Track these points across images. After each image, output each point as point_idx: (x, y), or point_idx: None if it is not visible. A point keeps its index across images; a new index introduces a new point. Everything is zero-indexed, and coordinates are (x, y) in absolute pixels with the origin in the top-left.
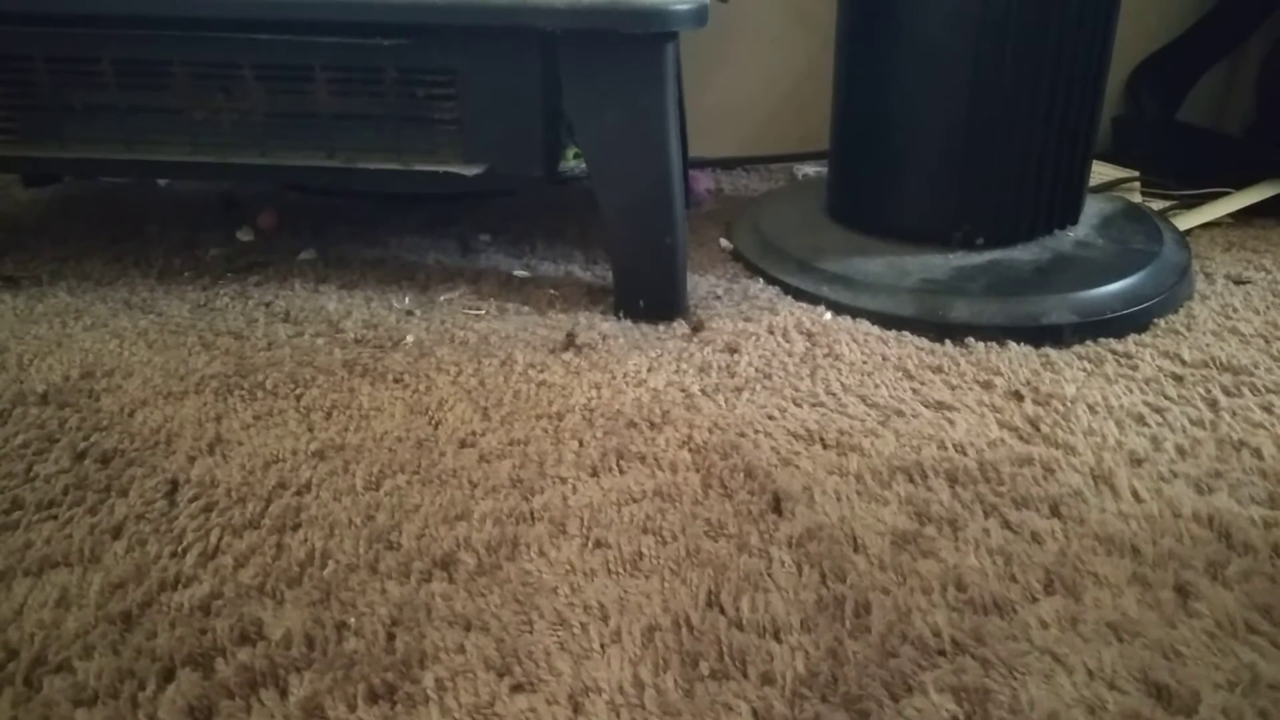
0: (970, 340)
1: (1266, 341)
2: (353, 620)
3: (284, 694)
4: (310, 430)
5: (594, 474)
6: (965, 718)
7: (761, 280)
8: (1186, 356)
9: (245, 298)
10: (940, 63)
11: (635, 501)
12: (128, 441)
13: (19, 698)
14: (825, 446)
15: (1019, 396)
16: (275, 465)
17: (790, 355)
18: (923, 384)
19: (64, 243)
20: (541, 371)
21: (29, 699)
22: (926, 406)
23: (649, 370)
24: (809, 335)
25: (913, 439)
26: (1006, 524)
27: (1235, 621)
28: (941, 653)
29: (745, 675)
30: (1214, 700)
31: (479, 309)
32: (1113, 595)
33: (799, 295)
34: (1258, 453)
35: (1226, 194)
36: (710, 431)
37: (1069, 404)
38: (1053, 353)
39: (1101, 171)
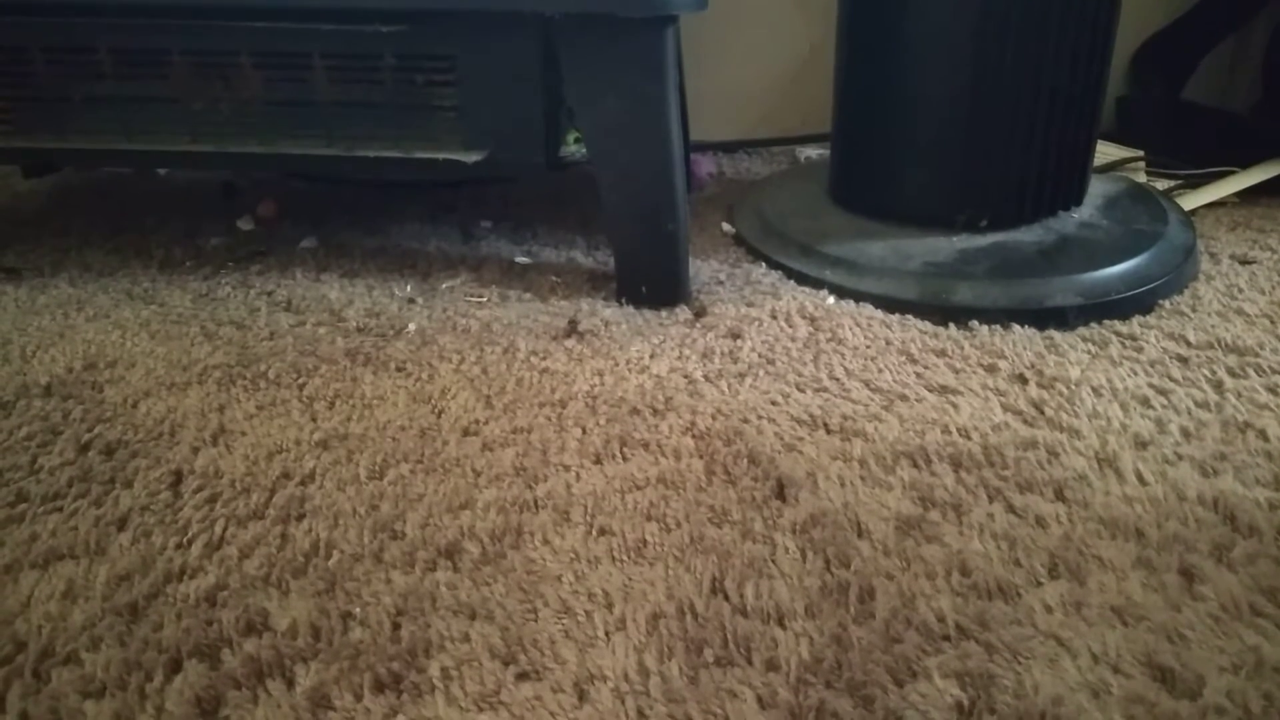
0: (974, 323)
1: (1272, 322)
2: (358, 610)
3: (290, 684)
4: (313, 420)
5: (597, 461)
6: (969, 703)
7: (764, 265)
8: (1191, 338)
9: (247, 287)
10: (943, 43)
11: (639, 489)
12: (131, 433)
13: (27, 690)
14: (829, 432)
15: (1023, 380)
16: (279, 455)
17: (793, 340)
18: (926, 368)
19: (65, 234)
20: (544, 359)
21: (37, 691)
22: (930, 390)
23: (652, 357)
24: (812, 320)
25: (916, 423)
26: (1011, 508)
27: (1240, 605)
28: (946, 638)
29: (750, 662)
30: (1218, 684)
31: (481, 296)
32: (1117, 579)
33: (802, 279)
34: (1263, 434)
35: (1232, 173)
36: (713, 418)
37: (1073, 387)
38: (1057, 335)
39: (1106, 151)
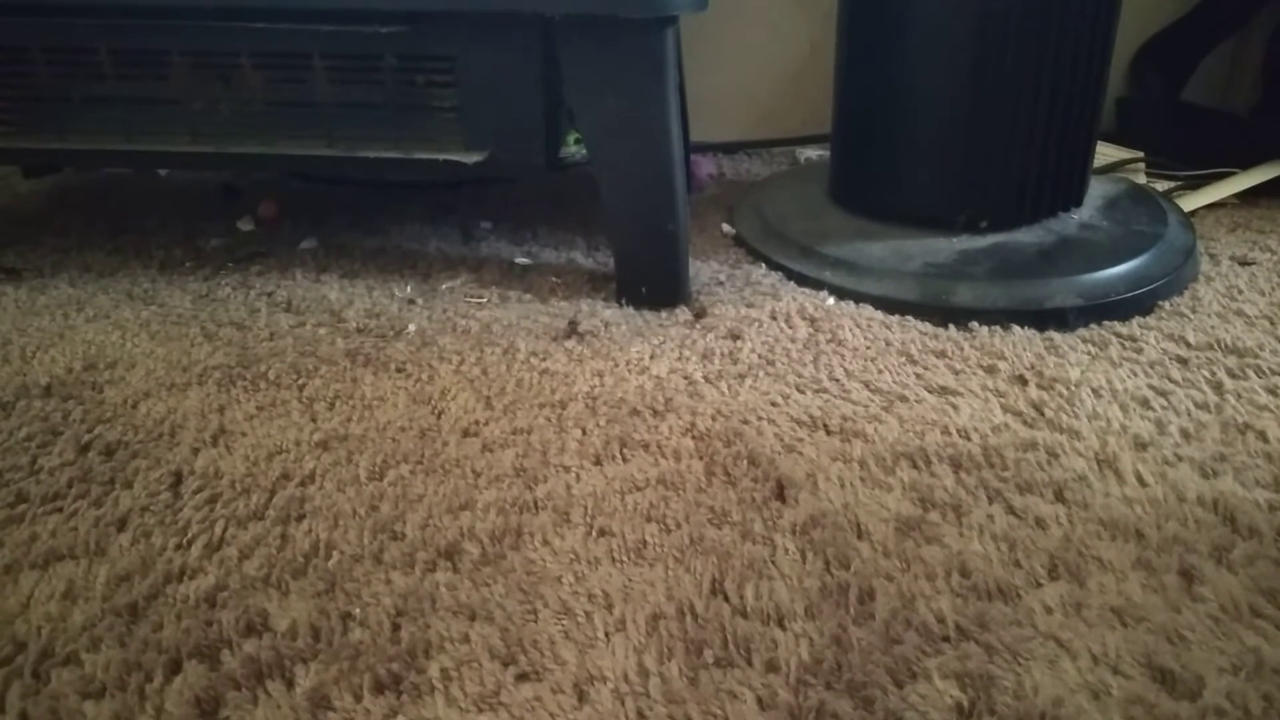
0: (974, 324)
1: (1272, 323)
2: (358, 611)
3: (290, 685)
4: (313, 421)
5: (597, 462)
6: (969, 704)
7: (764, 265)
8: (1191, 339)
9: (247, 288)
10: (943, 44)
11: (639, 490)
12: (131, 433)
13: (27, 690)
14: (828, 433)
15: (1023, 381)
16: (279, 456)
17: (793, 341)
18: (926, 369)
19: (65, 234)
20: (544, 360)
21: (37, 691)
22: (930, 391)
23: (652, 357)
24: (812, 321)
25: (916, 424)
26: (1010, 509)
27: (1240, 606)
28: (946, 639)
29: (750, 663)
30: (1218, 685)
31: (481, 297)
32: (1117, 580)
33: (802, 280)
34: (1263, 435)
35: (1232, 174)
36: (713, 419)
37: (1073, 388)
38: (1057, 336)
39: (1106, 153)
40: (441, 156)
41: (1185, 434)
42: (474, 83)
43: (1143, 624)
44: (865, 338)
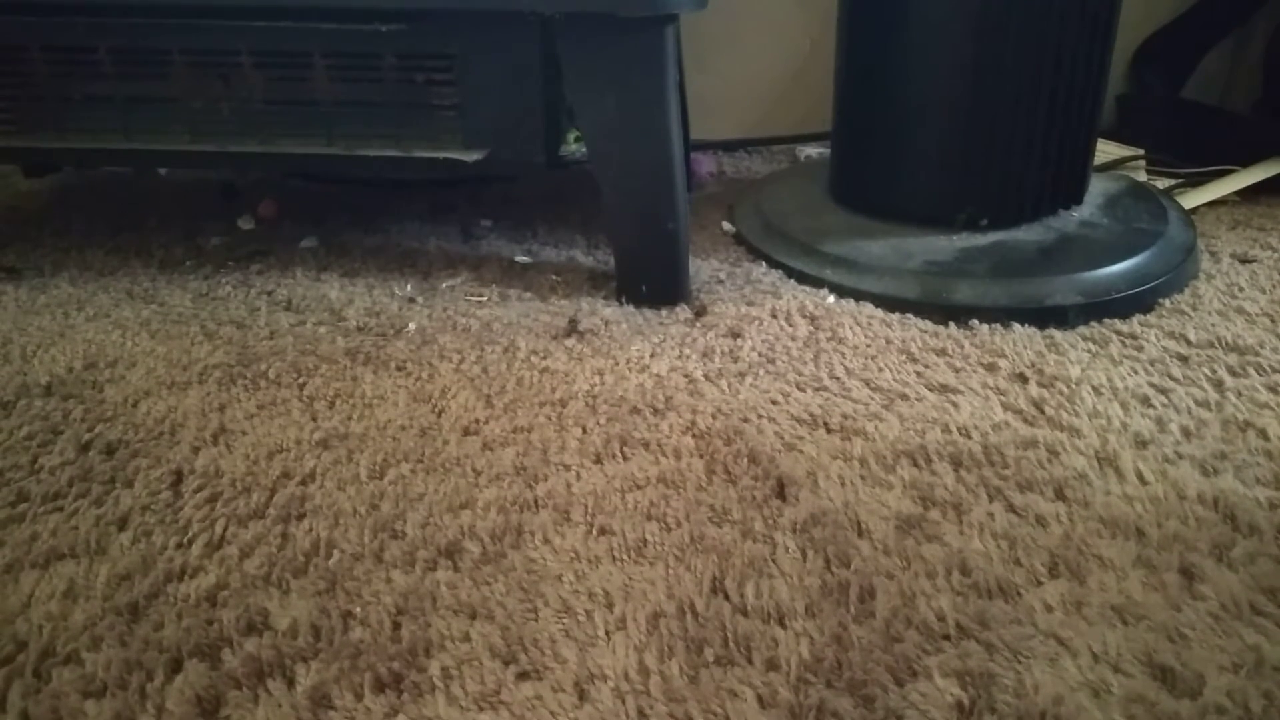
0: (974, 322)
1: (1272, 321)
2: (358, 609)
3: (291, 684)
4: (314, 419)
5: (597, 461)
6: (970, 702)
7: (764, 264)
8: (1192, 337)
9: (247, 287)
10: (943, 42)
11: (639, 488)
12: (132, 432)
13: (28, 689)
14: (829, 431)
15: (1023, 379)
16: (279, 455)
17: (793, 339)
18: (926, 367)
19: (65, 233)
20: (544, 358)
21: (38, 690)
22: (930, 390)
23: (652, 356)
24: (812, 319)
25: (917, 423)
26: (1011, 507)
27: (1240, 604)
28: (946, 637)
29: (750, 661)
30: (1218, 683)
31: (481, 296)
32: (1117, 578)
33: (802, 278)
34: (1263, 433)
35: (1232, 172)
36: (714, 417)
37: (1073, 386)
38: (1057, 334)
39: (1106, 150)
40: (441, 155)
41: (1186, 432)
42: (474, 81)
43: (1143, 622)
44: (866, 336)
